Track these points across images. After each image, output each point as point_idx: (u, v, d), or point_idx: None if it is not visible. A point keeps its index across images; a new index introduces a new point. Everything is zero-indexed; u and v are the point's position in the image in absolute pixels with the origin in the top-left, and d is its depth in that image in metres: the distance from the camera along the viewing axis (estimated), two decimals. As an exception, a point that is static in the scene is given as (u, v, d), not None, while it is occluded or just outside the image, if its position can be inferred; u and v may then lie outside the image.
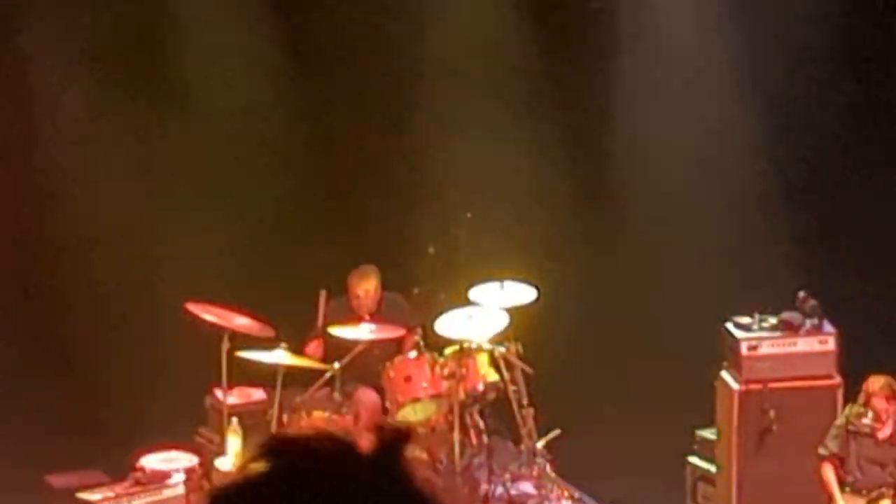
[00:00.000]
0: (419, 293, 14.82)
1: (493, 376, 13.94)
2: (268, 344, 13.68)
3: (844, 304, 14.30)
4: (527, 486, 14.10)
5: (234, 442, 13.66)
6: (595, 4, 17.28)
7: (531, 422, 14.05)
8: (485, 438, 14.10)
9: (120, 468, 13.33)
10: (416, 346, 14.07)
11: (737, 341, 13.71)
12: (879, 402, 12.73)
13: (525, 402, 14.04)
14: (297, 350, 13.98)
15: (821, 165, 16.86)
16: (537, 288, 14.29)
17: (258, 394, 14.32)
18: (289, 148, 16.60)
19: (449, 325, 14.00)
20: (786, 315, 13.81)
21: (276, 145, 16.69)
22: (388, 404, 14.10)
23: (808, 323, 13.79)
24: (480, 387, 13.90)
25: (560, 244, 15.80)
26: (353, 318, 14.30)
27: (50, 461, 14.65)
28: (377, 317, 14.34)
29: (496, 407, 14.20)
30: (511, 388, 13.98)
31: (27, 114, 16.55)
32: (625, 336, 15.39)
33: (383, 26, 16.83)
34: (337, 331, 14.04)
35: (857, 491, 12.78)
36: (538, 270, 14.59)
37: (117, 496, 12.81)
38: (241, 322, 13.71)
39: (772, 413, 13.49)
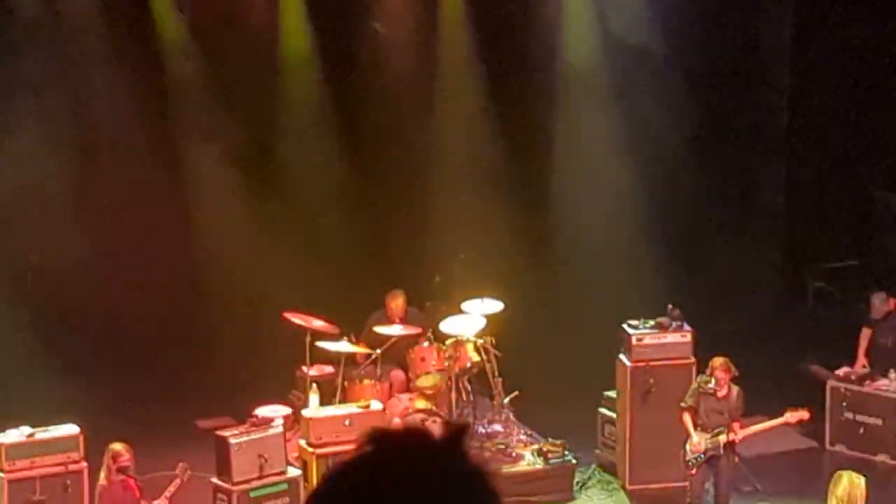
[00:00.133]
0: (430, 305, 14.99)
1: (476, 358, 14.08)
2: (335, 337, 13.99)
3: (696, 312, 14.31)
4: (497, 427, 14.12)
5: (313, 399, 13.66)
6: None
7: (500, 387, 14.09)
8: (471, 397, 14.21)
9: (242, 415, 13.30)
10: (428, 339, 14.18)
11: (629, 335, 13.90)
12: (720, 374, 12.71)
13: (496, 374, 14.08)
14: (354, 342, 14.07)
15: (684, 223, 16.98)
16: (504, 302, 14.41)
17: (328, 369, 14.30)
18: (344, 207, 16.50)
19: (449, 325, 14.26)
20: (660, 319, 14.02)
21: (337, 204, 16.52)
22: (410, 376, 14.20)
23: (674, 324, 13.99)
24: (468, 365, 14.08)
25: (518, 274, 15.76)
26: (389, 321, 14.47)
27: (197, 411, 15.02)
28: (403, 321, 14.50)
29: (478, 377, 14.27)
30: (487, 365, 14.09)
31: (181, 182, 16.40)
32: (559, 332, 15.45)
33: (401, 125, 16.71)
34: (379, 329, 14.26)
35: (704, 430, 12.71)
36: (504, 290, 14.55)
37: (241, 432, 12.67)
38: (318, 324, 13.90)
39: (651, 381, 13.73)
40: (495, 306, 14.48)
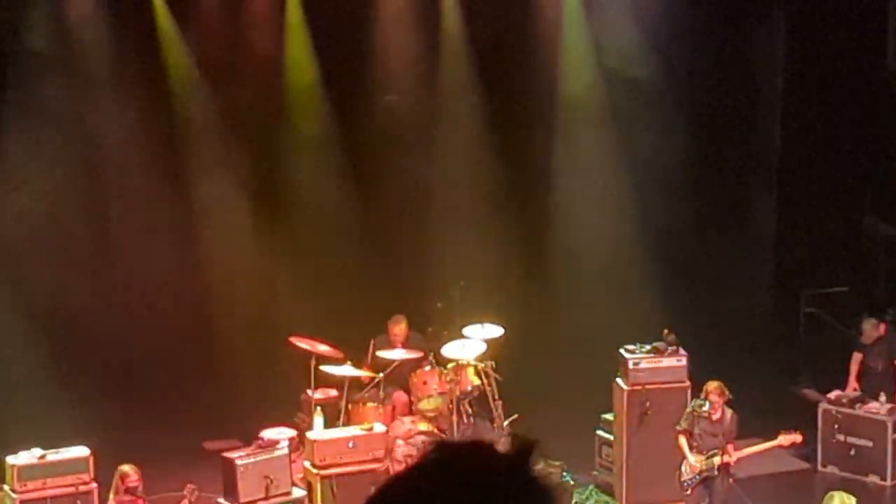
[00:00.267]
0: (431, 331, 14.96)
1: (476, 381, 14.11)
2: (338, 362, 13.93)
3: (691, 337, 14.31)
4: (498, 449, 14.61)
5: (318, 421, 13.62)
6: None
7: (500, 409, 14.08)
8: (471, 420, 14.18)
9: (248, 437, 13.32)
10: (430, 363, 14.21)
11: (626, 360, 13.89)
12: (714, 397, 12.70)
13: (496, 397, 14.09)
14: (357, 366, 14.04)
15: (680, 249, 16.92)
16: (504, 327, 14.48)
17: (333, 392, 14.25)
18: (348, 235, 16.47)
19: (450, 350, 14.26)
20: (655, 344, 14.01)
21: (341, 232, 16.47)
22: (412, 399, 14.21)
23: (669, 349, 13.97)
24: (469, 388, 14.10)
25: (517, 300, 15.79)
26: (391, 346, 14.49)
27: (205, 433, 14.99)
28: (406, 345, 14.50)
29: (479, 400, 14.25)
30: (488, 389, 14.12)
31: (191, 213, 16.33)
32: (558, 356, 15.45)
33: (403, 153, 16.70)
34: (382, 353, 14.28)
35: (699, 451, 12.74)
36: (504, 317, 14.60)
37: (247, 454, 12.74)
38: (322, 349, 13.85)
39: (647, 404, 13.72)
40: (495, 331, 14.53)
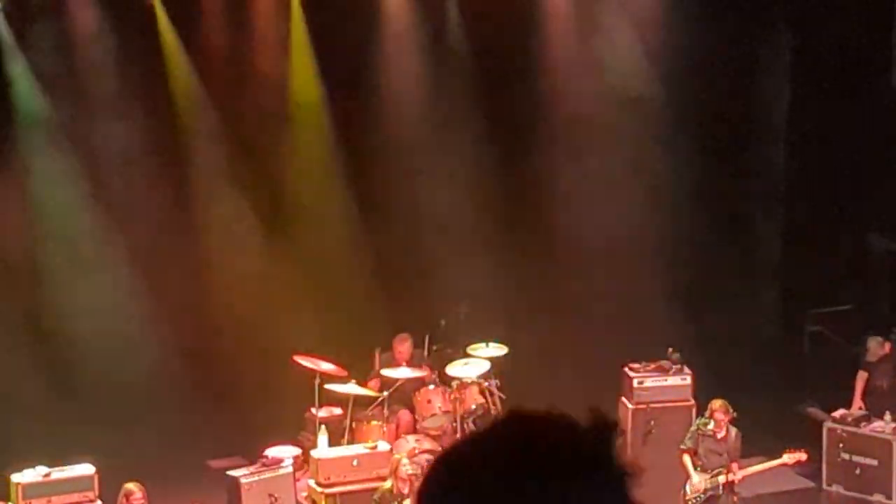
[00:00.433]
0: (436, 349, 15.02)
1: (481, 400, 14.18)
2: (343, 380, 13.97)
3: (696, 356, 14.45)
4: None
5: (322, 439, 13.63)
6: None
7: None
8: None
9: (253, 455, 13.47)
10: (434, 382, 14.31)
11: (631, 379, 14.10)
12: (719, 415, 12.76)
13: None
14: (362, 384, 14.13)
15: (684, 268, 16.89)
16: (508, 346, 14.61)
17: (337, 410, 14.29)
18: (353, 253, 16.43)
19: (454, 368, 14.38)
20: (660, 363, 14.23)
21: (346, 251, 16.45)
22: (417, 417, 14.28)
23: (674, 368, 14.18)
24: (473, 407, 14.16)
25: (521, 321, 15.64)
26: (396, 364, 14.56)
27: (209, 451, 15.07)
28: (411, 363, 14.58)
29: (483, 419, 14.11)
30: (492, 407, 14.16)
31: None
32: (562, 375, 14.94)
33: (407, 171, 16.62)
34: (386, 372, 14.40)
35: (704, 470, 12.82)
36: (508, 336, 14.73)
37: (252, 472, 12.90)
38: (326, 367, 13.86)
39: (651, 423, 13.88)
40: (499, 350, 14.60)
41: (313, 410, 14.04)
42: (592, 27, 16.98)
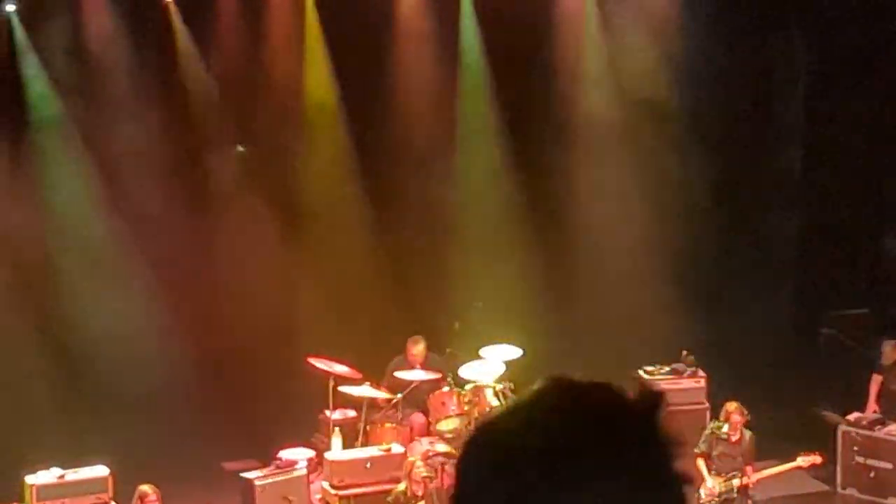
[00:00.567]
0: (450, 352, 14.94)
1: (495, 403, 13.98)
2: (357, 382, 14.01)
3: (710, 358, 14.53)
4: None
5: (336, 442, 13.68)
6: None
7: None
8: None
9: (267, 457, 13.48)
10: (448, 384, 14.20)
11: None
12: (735, 417, 12.77)
13: None
14: (376, 386, 14.15)
15: (699, 271, 16.91)
16: (522, 348, 14.50)
17: (351, 413, 14.34)
18: (367, 256, 16.51)
19: (468, 371, 14.30)
20: (674, 366, 14.43)
21: (360, 253, 16.53)
22: (430, 420, 14.23)
23: (688, 370, 14.35)
24: (487, 410, 13.90)
25: (535, 323, 15.62)
26: (410, 366, 14.54)
27: (224, 453, 14.96)
28: (424, 366, 14.54)
29: None
30: None
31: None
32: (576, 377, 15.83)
33: (423, 174, 16.65)
34: (400, 374, 14.34)
35: (718, 474, 12.82)
36: (522, 338, 14.60)
37: (266, 475, 12.93)
38: (340, 369, 13.90)
39: None
40: (514, 352, 14.56)
41: (327, 413, 14.07)
42: (608, 30, 17.06)
